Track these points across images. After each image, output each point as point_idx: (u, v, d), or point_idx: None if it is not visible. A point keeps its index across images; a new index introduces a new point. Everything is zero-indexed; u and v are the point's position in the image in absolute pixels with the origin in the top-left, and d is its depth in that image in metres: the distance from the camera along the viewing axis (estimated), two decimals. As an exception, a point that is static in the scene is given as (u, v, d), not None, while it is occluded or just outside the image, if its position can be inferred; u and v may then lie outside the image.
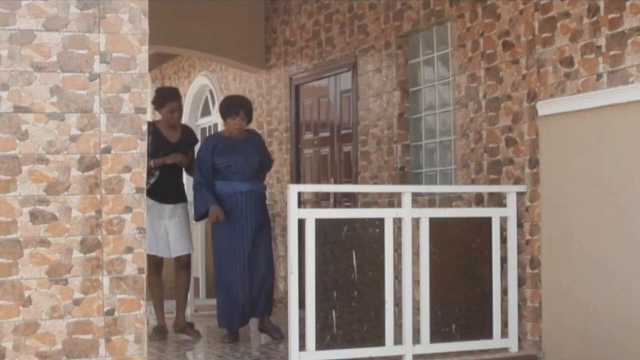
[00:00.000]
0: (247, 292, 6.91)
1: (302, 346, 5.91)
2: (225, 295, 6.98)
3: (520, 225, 6.47)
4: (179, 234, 7.26)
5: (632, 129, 5.64)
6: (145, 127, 4.92)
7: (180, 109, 7.44)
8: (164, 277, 7.52)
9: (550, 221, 6.26)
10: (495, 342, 6.42)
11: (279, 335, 6.97)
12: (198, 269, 8.97)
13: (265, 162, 7.30)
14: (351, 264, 6.06)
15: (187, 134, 7.54)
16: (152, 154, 7.01)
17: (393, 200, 7.71)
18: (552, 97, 6.22)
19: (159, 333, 7.24)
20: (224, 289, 6.98)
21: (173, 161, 7.19)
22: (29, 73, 4.71)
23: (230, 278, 6.92)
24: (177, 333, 7.32)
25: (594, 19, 5.88)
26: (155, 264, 7.21)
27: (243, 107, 7.24)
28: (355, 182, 8.51)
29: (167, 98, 7.36)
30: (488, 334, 6.40)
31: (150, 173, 6.96)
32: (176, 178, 7.36)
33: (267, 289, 7.05)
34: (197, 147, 7.51)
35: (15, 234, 4.67)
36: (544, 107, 6.27)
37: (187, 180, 7.83)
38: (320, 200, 8.99)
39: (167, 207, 7.25)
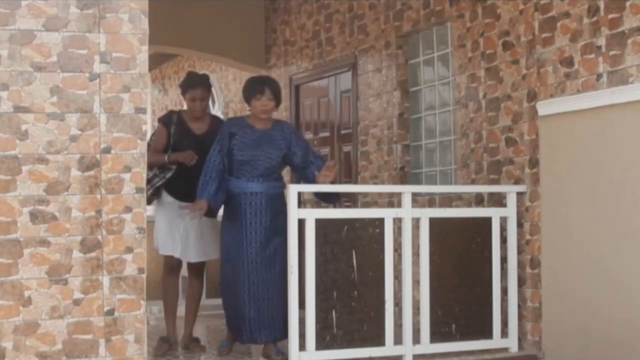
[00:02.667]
0: (253, 306, 6.11)
1: (302, 346, 5.91)
2: (232, 305, 6.22)
3: (520, 225, 6.47)
4: (199, 238, 6.49)
5: (632, 129, 5.64)
6: (145, 127, 4.92)
7: (204, 98, 6.55)
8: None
9: (550, 221, 6.26)
10: (495, 342, 6.42)
11: (280, 358, 6.11)
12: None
13: (292, 158, 6.31)
14: (351, 264, 6.06)
15: (217, 125, 6.58)
16: (174, 145, 6.48)
17: (393, 200, 7.71)
18: (552, 97, 6.22)
19: (164, 345, 6.49)
20: (229, 299, 6.23)
21: (183, 160, 6.38)
22: (29, 73, 4.72)
23: (234, 287, 6.16)
24: (181, 348, 6.59)
25: (594, 19, 5.88)
26: (171, 265, 6.58)
27: (268, 85, 6.26)
28: (355, 182, 8.51)
29: (188, 85, 6.58)
30: (488, 334, 6.40)
31: (165, 167, 6.45)
32: (199, 175, 6.30)
33: (278, 309, 6.12)
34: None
35: (15, 234, 4.67)
36: (544, 107, 6.27)
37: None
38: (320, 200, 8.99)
39: None
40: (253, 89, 6.27)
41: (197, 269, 6.69)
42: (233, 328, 6.32)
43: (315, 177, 6.28)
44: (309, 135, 9.59)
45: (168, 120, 6.59)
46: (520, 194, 6.47)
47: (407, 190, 6.33)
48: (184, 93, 6.63)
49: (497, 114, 6.76)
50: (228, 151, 6.21)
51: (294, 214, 5.91)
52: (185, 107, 6.81)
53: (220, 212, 6.44)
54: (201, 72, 8.43)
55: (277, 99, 6.32)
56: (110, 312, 4.82)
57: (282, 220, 6.14)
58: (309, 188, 6.24)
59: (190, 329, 6.68)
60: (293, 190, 5.93)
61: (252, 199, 6.17)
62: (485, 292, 6.41)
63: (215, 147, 6.24)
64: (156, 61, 12.97)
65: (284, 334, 6.09)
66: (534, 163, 6.39)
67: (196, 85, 6.57)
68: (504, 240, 6.46)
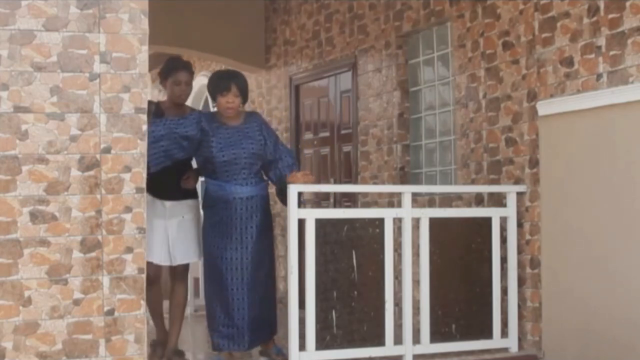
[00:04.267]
0: (245, 311, 5.95)
1: (302, 346, 5.90)
2: (218, 315, 6.00)
3: (520, 225, 6.47)
4: (181, 238, 6.14)
5: (632, 129, 5.64)
6: (145, 127, 4.92)
7: (189, 83, 6.27)
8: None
9: (550, 221, 6.26)
10: (495, 342, 6.42)
11: (280, 358, 6.11)
12: (198, 269, 8.92)
13: (265, 149, 6.04)
14: (351, 264, 6.06)
15: (183, 110, 6.31)
16: None
17: (393, 200, 7.71)
18: (552, 97, 6.22)
19: (158, 350, 6.27)
20: (217, 308, 6.00)
21: None
22: (29, 73, 4.72)
23: (224, 293, 5.94)
24: None
25: (594, 19, 5.88)
26: (149, 274, 5.62)
27: (234, 81, 5.98)
28: (355, 182, 8.51)
29: (171, 68, 6.22)
30: (488, 334, 6.40)
31: None
32: (180, 170, 6.11)
33: (269, 309, 6.11)
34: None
35: (15, 234, 4.67)
36: (544, 107, 6.28)
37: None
38: (320, 200, 8.99)
39: (168, 205, 6.11)
40: (219, 84, 6.01)
41: (181, 271, 6.28)
42: (223, 336, 6.02)
43: (286, 176, 6.01)
44: (309, 135, 9.60)
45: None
46: (520, 194, 6.47)
47: (407, 190, 6.33)
48: (166, 78, 6.24)
49: (497, 114, 6.76)
50: (204, 152, 5.95)
51: (294, 214, 5.91)
52: (162, 99, 6.45)
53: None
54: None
55: (244, 95, 6.05)
56: (110, 312, 4.82)
57: (269, 220, 6.16)
58: (309, 188, 6.22)
59: (175, 340, 6.27)
60: (293, 190, 5.92)
61: (248, 204, 5.97)
62: (485, 292, 6.41)
63: (191, 123, 5.94)
64: (156, 61, 12.93)
65: (274, 331, 6.19)
66: (534, 163, 6.39)
67: (180, 68, 6.26)
68: (504, 240, 6.47)
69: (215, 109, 6.22)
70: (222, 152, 5.92)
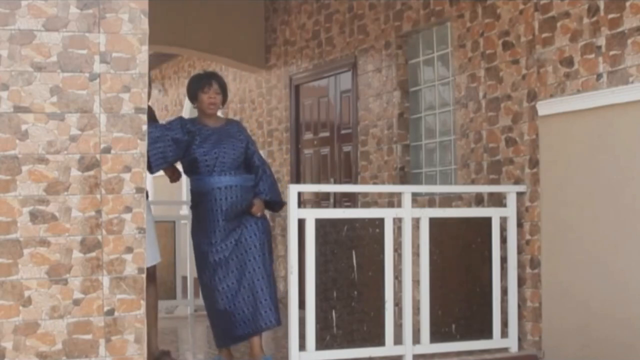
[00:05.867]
0: (238, 302, 5.94)
1: (302, 346, 5.90)
2: (214, 311, 6.05)
3: (520, 225, 6.47)
4: (150, 239, 5.71)
5: (632, 129, 5.64)
6: (145, 127, 4.92)
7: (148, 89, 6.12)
8: None
9: (550, 221, 6.26)
10: (495, 342, 6.42)
11: None
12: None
13: (252, 150, 6.18)
14: (351, 264, 6.06)
15: (149, 115, 6.10)
16: None
17: (393, 200, 7.71)
18: (552, 97, 6.23)
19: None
20: (212, 305, 6.05)
21: None
22: (29, 73, 4.71)
23: (219, 291, 5.97)
24: None
25: (594, 19, 5.89)
26: None
27: (215, 79, 6.19)
28: (355, 182, 8.51)
29: None
30: (488, 334, 6.40)
31: None
32: None
33: (265, 297, 5.97)
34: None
35: (15, 234, 4.67)
36: (544, 107, 6.28)
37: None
38: (320, 200, 8.99)
39: None
40: (199, 82, 6.16)
41: (152, 273, 6.04)
42: (220, 340, 6.07)
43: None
44: (309, 135, 9.60)
45: None
46: (520, 194, 6.47)
47: (407, 190, 6.33)
48: None
49: (497, 114, 6.76)
50: (189, 151, 6.04)
51: (294, 214, 5.91)
52: None
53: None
54: None
55: (224, 94, 6.22)
56: (110, 312, 4.82)
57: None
58: (309, 188, 6.21)
59: (155, 342, 6.16)
60: (293, 190, 5.92)
61: (228, 193, 5.99)
62: (485, 292, 6.41)
63: (176, 127, 6.05)
64: (156, 61, 12.97)
65: (278, 319, 5.98)
66: (534, 163, 6.39)
67: None
68: (504, 240, 6.47)
69: (195, 113, 6.28)
70: (203, 147, 6.03)
